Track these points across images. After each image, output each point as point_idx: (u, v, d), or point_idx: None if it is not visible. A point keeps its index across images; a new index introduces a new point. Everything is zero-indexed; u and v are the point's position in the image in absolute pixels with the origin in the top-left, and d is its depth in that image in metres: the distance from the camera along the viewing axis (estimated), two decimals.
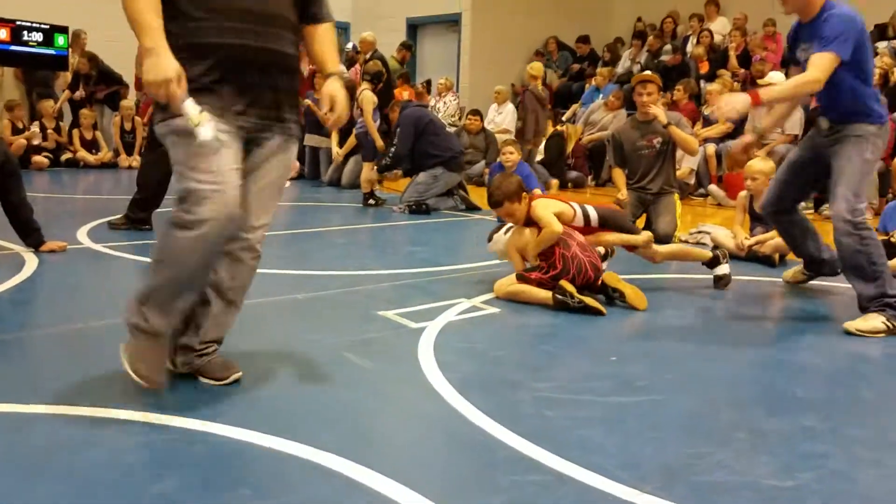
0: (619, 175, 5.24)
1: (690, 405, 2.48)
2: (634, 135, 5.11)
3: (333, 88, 2.37)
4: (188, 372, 2.51)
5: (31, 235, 4.42)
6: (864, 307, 3.43)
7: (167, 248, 2.25)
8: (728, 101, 3.26)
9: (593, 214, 3.95)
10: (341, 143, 8.89)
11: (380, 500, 1.80)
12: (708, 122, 8.87)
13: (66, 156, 10.10)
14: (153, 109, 2.32)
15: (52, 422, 2.19)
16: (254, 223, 2.41)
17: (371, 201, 7.27)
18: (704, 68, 10.07)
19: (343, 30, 14.62)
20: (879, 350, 3.16)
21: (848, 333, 3.33)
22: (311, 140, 9.33)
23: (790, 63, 3.86)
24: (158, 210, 5.44)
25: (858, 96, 3.43)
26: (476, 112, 10.15)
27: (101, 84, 10.89)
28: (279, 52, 2.28)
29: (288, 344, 3.01)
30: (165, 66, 2.04)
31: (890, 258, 4.59)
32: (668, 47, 11.13)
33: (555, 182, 8.99)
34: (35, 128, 9.92)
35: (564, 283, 3.54)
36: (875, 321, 3.35)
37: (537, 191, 4.23)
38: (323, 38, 2.45)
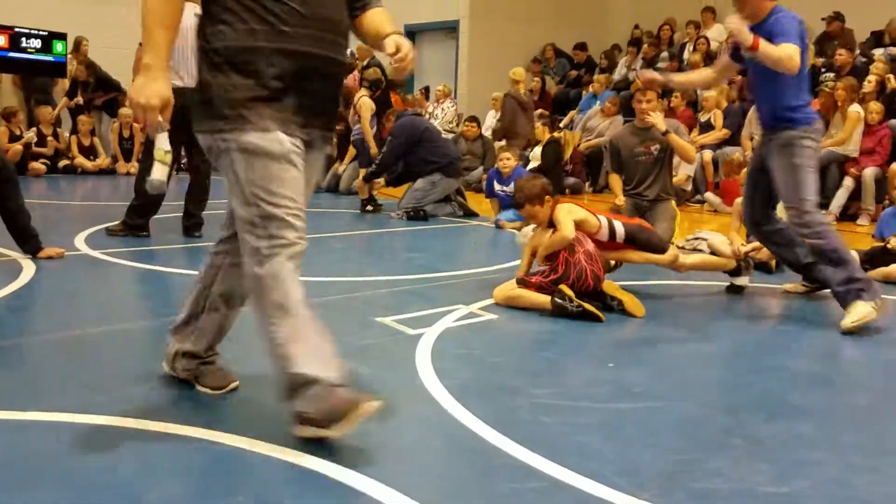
0: (615, 181, 5.25)
1: (688, 411, 2.48)
2: (632, 141, 5.12)
3: (399, 37, 2.20)
4: (186, 378, 2.50)
5: (28, 242, 4.42)
6: (838, 293, 3.58)
7: (272, 295, 2.06)
8: (737, 22, 3.49)
9: (620, 231, 3.93)
10: (339, 153, 8.89)
11: None
12: (705, 129, 8.89)
13: (63, 162, 10.10)
14: (198, 116, 2.12)
15: (50, 428, 2.19)
16: None
17: (369, 207, 7.28)
18: None
19: None
20: (876, 356, 3.16)
21: (847, 333, 3.36)
22: None
23: (731, 56, 4.07)
24: (156, 216, 5.45)
25: (782, 103, 3.65)
26: (473, 119, 10.17)
27: (99, 91, 10.90)
28: (339, 61, 2.18)
29: None
30: (156, 90, 1.96)
31: (887, 264, 4.62)
32: (664, 54, 11.16)
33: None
34: (32, 133, 9.93)
35: (563, 288, 3.55)
36: (860, 308, 3.43)
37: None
38: (375, 13, 2.30)
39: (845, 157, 7.47)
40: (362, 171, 7.80)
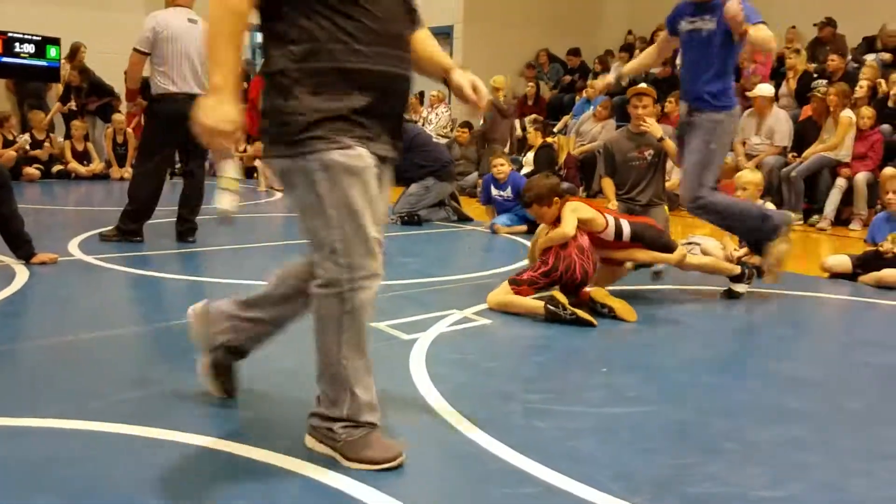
0: (608, 185, 5.26)
1: (681, 416, 2.49)
2: (627, 146, 5.13)
3: (469, 75, 2.19)
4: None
5: (21, 247, 4.40)
6: (757, 242, 4.02)
7: (349, 332, 1.99)
8: (736, 7, 3.65)
9: (627, 230, 3.94)
10: None
11: None
12: None
13: (57, 167, 10.08)
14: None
15: (44, 435, 2.18)
16: None
17: None
18: None
19: None
20: (870, 360, 3.18)
21: (771, 278, 3.97)
22: None
23: (668, 32, 4.25)
24: (150, 221, 5.44)
25: (713, 82, 3.88)
26: (466, 124, 10.18)
27: (93, 96, 10.89)
28: (408, 77, 2.10)
29: (279, 356, 3.01)
30: (226, 114, 1.83)
31: (878, 269, 4.65)
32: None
33: None
34: (25, 137, 9.91)
35: (557, 295, 3.56)
36: (776, 246, 3.90)
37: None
38: (426, 40, 2.24)
39: (837, 162, 7.50)
40: None
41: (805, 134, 7.97)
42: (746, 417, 2.49)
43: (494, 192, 6.73)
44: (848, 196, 7.44)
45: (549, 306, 3.53)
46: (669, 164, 5.45)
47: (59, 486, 1.88)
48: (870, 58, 8.86)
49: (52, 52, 10.57)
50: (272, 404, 2.48)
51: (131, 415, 2.31)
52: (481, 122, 10.26)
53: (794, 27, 9.85)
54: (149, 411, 2.36)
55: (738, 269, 4.16)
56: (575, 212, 3.81)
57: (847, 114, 7.46)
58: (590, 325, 3.47)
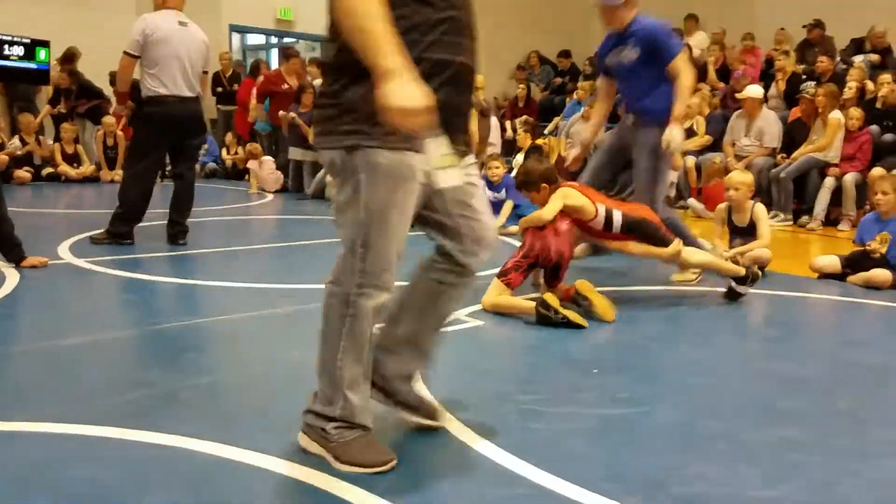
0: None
1: (673, 417, 2.50)
2: None
3: None
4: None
5: (11, 251, 4.39)
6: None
7: (349, 334, 1.99)
8: (674, 139, 4.12)
9: (618, 220, 3.93)
10: None
11: None
12: (688, 135, 8.95)
13: (47, 170, 10.04)
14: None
15: (35, 438, 2.18)
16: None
17: None
18: None
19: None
20: (861, 360, 3.20)
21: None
22: (294, 153, 9.33)
23: (602, 73, 4.60)
24: (140, 224, 5.43)
25: (659, 96, 4.16)
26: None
27: (83, 98, 10.85)
28: (474, 69, 2.04)
29: (271, 358, 3.01)
30: (412, 92, 1.71)
31: (866, 269, 4.68)
32: None
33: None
34: (16, 141, 9.86)
35: (548, 297, 3.57)
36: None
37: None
38: None
39: (826, 162, 7.55)
40: None
41: (794, 135, 8.02)
42: (738, 418, 2.50)
43: (488, 193, 6.74)
44: (837, 197, 7.48)
45: (539, 309, 3.54)
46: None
47: (53, 490, 1.88)
48: (858, 59, 8.93)
49: (41, 54, 10.53)
50: (266, 407, 2.48)
51: (124, 418, 2.31)
52: None
53: (782, 29, 9.92)
54: (142, 414, 2.35)
55: (741, 271, 4.07)
56: (564, 198, 3.87)
57: (836, 115, 7.51)
58: (580, 327, 3.48)
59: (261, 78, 10.58)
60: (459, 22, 1.95)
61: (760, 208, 4.94)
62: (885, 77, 8.02)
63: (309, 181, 9.22)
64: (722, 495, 1.96)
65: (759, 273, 4.15)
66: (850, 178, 7.36)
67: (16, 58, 10.30)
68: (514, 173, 4.10)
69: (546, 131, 11.13)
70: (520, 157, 8.86)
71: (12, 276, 4.16)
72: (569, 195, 3.89)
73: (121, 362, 2.96)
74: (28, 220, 6.30)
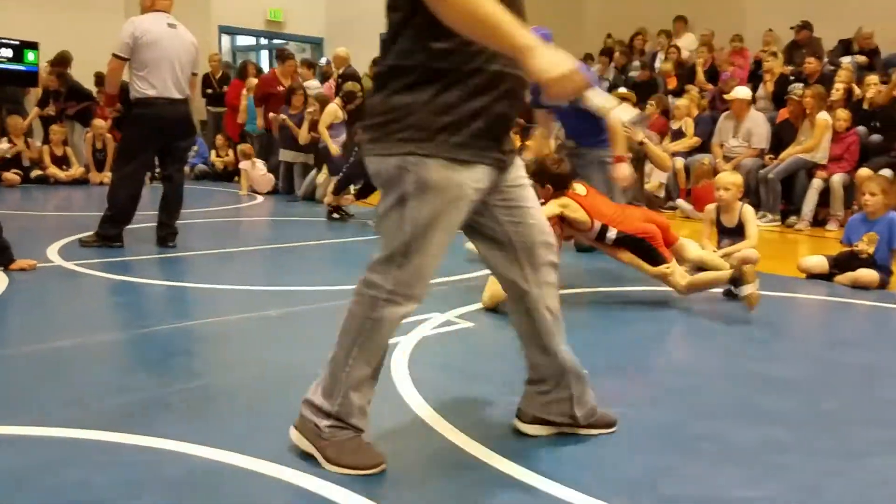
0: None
1: (660, 418, 2.52)
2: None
3: None
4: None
5: (0, 254, 4.37)
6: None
7: (369, 339, 2.01)
8: (625, 176, 4.57)
9: (611, 236, 4.03)
10: (317, 162, 8.88)
11: None
12: (676, 136, 9.00)
13: (36, 172, 10.00)
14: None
15: (25, 442, 2.18)
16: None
17: (335, 215, 7.30)
18: (672, 84, 10.23)
19: (317, 45, 14.66)
20: (846, 361, 3.23)
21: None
22: (285, 155, 9.32)
23: (534, 106, 4.86)
24: (129, 227, 5.42)
25: (590, 129, 4.55)
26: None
27: (72, 100, 10.81)
28: (525, 81, 1.97)
29: (261, 361, 3.02)
30: (555, 56, 1.70)
31: (854, 269, 4.72)
32: (636, 63, 11.28)
33: None
34: (3, 143, 9.82)
35: None
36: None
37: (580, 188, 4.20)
38: None
39: (814, 163, 7.60)
40: (333, 179, 7.92)
41: (782, 136, 8.07)
42: (724, 418, 2.52)
43: None
44: (824, 197, 7.53)
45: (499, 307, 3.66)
46: (648, 166, 5.50)
47: (40, 494, 1.88)
48: (845, 60, 8.99)
49: (30, 56, 10.48)
50: (256, 410, 2.48)
51: (114, 421, 2.31)
52: None
53: (770, 30, 9.97)
54: (132, 417, 2.35)
55: (727, 276, 3.92)
56: (562, 206, 3.98)
57: (823, 116, 7.56)
58: None
59: (253, 80, 10.57)
60: None
61: (749, 209, 4.97)
62: (872, 78, 8.08)
63: (300, 183, 9.22)
64: (708, 496, 1.98)
65: (753, 276, 3.86)
66: (837, 178, 7.41)
67: (4, 60, 10.26)
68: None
69: (536, 133, 11.14)
70: None
71: (1, 280, 4.15)
72: (568, 205, 4.00)
73: (111, 365, 2.96)
74: (17, 223, 6.28)
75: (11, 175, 9.54)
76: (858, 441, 2.37)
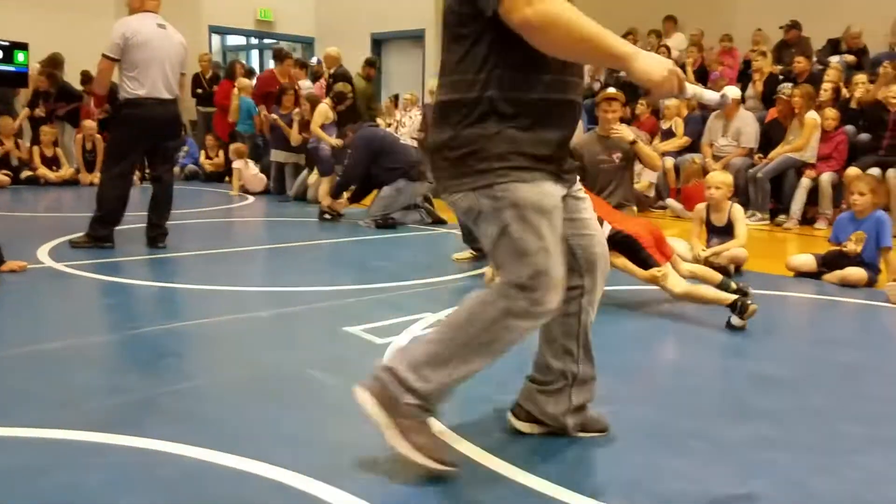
0: None
1: (650, 416, 2.53)
2: (596, 149, 5.19)
3: None
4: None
5: None
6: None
7: (495, 343, 1.99)
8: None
9: (605, 231, 3.92)
10: (309, 162, 8.88)
11: None
12: (667, 136, 9.03)
13: (26, 173, 9.96)
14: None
15: (15, 444, 2.18)
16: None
17: (327, 216, 7.30)
18: None
19: (308, 45, 14.65)
20: (832, 358, 3.25)
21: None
22: (277, 156, 9.32)
23: None
24: (119, 227, 5.41)
25: None
26: None
27: (62, 101, 10.76)
28: (581, 105, 2.10)
29: (252, 362, 3.02)
30: (656, 59, 1.79)
31: (842, 268, 4.75)
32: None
33: None
34: None
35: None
36: None
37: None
38: None
39: (803, 162, 7.65)
40: (324, 180, 7.95)
41: (771, 135, 8.12)
42: (712, 416, 2.54)
43: None
44: (813, 196, 7.58)
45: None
46: (638, 166, 5.52)
47: (30, 496, 1.88)
48: (834, 60, 9.04)
49: (20, 57, 10.42)
50: (246, 411, 2.49)
51: (102, 423, 2.31)
52: (420, 128, 10.21)
53: (759, 30, 10.02)
54: (120, 419, 2.35)
55: (729, 299, 3.71)
56: None
57: (812, 115, 7.60)
58: None
59: (244, 80, 10.55)
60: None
61: (738, 209, 5.01)
62: (860, 77, 8.13)
63: (291, 183, 9.21)
64: (697, 493, 1.99)
65: (747, 302, 3.68)
66: (826, 177, 7.45)
67: None
68: None
69: None
70: None
71: None
72: None
73: (101, 367, 2.96)
74: (7, 224, 6.26)
75: (1, 176, 9.50)
76: (846, 438, 2.39)
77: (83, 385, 2.69)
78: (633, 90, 9.62)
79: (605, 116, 5.10)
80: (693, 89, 1.93)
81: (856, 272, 4.67)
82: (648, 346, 3.41)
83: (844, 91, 8.25)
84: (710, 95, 2.00)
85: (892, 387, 2.93)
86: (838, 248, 4.89)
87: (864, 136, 7.72)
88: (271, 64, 14.92)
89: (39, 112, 10.60)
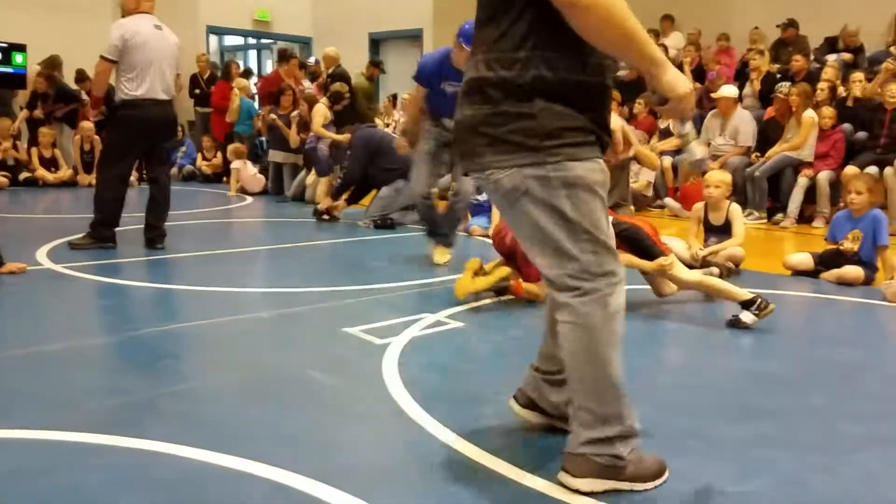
0: None
1: (647, 414, 2.52)
2: None
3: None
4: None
5: None
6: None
7: (615, 331, 1.95)
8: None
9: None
10: (307, 162, 8.87)
11: None
12: (664, 135, 9.04)
13: (24, 174, 9.96)
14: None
15: (14, 446, 2.18)
16: None
17: (325, 216, 7.30)
18: None
19: (305, 45, 14.65)
20: (831, 357, 3.26)
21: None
22: (275, 156, 9.32)
23: (420, 82, 5.07)
24: (117, 229, 5.42)
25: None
26: None
27: (60, 103, 10.77)
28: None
29: (251, 363, 3.03)
30: (684, 77, 1.84)
31: (839, 266, 4.76)
32: (623, 62, 11.30)
33: None
34: None
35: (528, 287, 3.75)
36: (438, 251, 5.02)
37: None
38: None
39: (800, 161, 7.66)
40: (322, 181, 7.95)
41: (768, 134, 8.12)
42: (710, 415, 2.55)
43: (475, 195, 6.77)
44: (811, 194, 7.59)
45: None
46: (636, 166, 5.53)
47: (30, 497, 1.89)
48: (831, 58, 9.05)
49: (18, 58, 10.43)
50: (246, 412, 2.49)
51: (102, 424, 2.31)
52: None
53: (756, 28, 10.03)
54: (120, 420, 2.36)
55: (746, 295, 3.65)
56: None
57: (809, 114, 7.61)
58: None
59: (242, 81, 10.54)
60: None
61: (736, 208, 5.02)
62: (857, 75, 8.14)
63: (289, 184, 9.21)
64: (695, 491, 2.00)
65: (767, 301, 3.63)
66: (823, 176, 7.46)
67: None
68: None
69: None
70: None
71: None
72: None
73: (100, 368, 2.96)
74: (6, 226, 6.27)
75: (0, 178, 9.50)
76: (844, 437, 2.40)
77: (82, 386, 2.69)
78: (630, 90, 9.66)
79: None
80: (690, 127, 1.95)
81: (853, 271, 4.68)
82: (647, 346, 3.41)
83: (841, 89, 8.26)
84: (695, 147, 2.01)
85: (890, 385, 2.94)
86: (835, 246, 4.90)
87: (861, 135, 7.73)
88: (269, 64, 14.97)
89: (38, 113, 10.61)
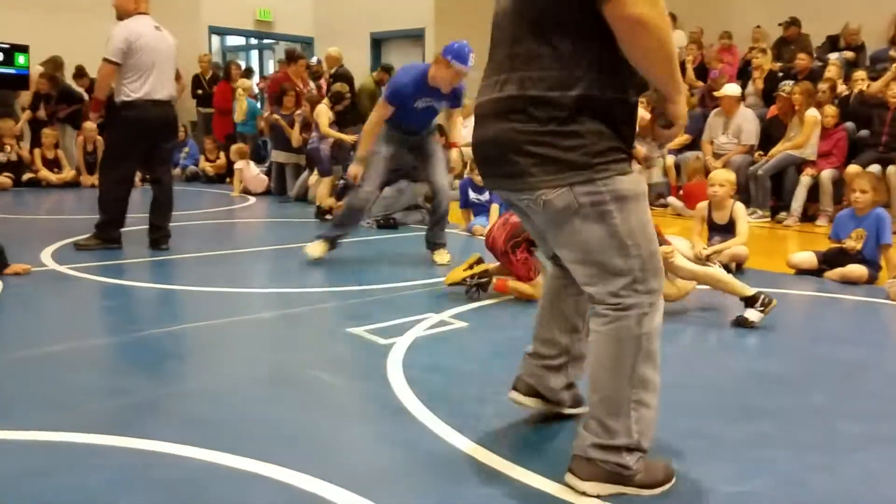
0: None
1: None
2: None
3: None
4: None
5: None
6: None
7: (651, 352, 1.96)
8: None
9: None
10: (309, 163, 8.88)
11: None
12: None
13: (27, 175, 9.98)
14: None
15: (18, 447, 2.19)
16: None
17: (328, 216, 7.31)
18: None
19: (307, 45, 14.66)
20: (832, 356, 3.26)
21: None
22: (278, 156, 9.33)
23: (392, 102, 4.93)
24: (121, 230, 5.43)
25: (432, 119, 5.16)
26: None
27: (63, 103, 10.78)
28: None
29: (255, 363, 3.04)
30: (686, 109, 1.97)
31: (843, 265, 4.76)
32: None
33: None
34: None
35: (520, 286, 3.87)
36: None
37: None
38: None
39: (803, 159, 7.65)
40: (323, 181, 7.96)
41: (771, 132, 8.12)
42: (711, 414, 2.55)
43: (472, 195, 6.78)
44: (814, 193, 7.58)
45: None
46: (636, 165, 5.52)
47: (32, 497, 1.90)
48: (832, 56, 9.03)
49: (20, 59, 10.45)
50: (249, 412, 2.50)
51: (105, 425, 2.32)
52: None
53: (759, 27, 10.01)
54: (122, 421, 2.37)
55: (748, 290, 3.64)
56: None
57: (812, 112, 7.60)
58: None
59: (246, 81, 10.55)
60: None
61: (740, 207, 5.02)
62: (860, 74, 8.13)
63: (292, 184, 9.22)
64: (696, 491, 2.01)
65: (769, 299, 3.64)
66: (826, 174, 7.46)
67: None
68: None
69: None
70: None
71: None
72: None
73: (103, 369, 2.97)
74: (9, 227, 6.28)
75: (3, 178, 9.52)
76: (845, 436, 2.40)
77: (85, 387, 2.71)
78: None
79: None
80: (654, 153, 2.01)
81: (856, 269, 4.68)
82: None
83: (843, 88, 8.24)
84: (657, 169, 2.04)
85: (892, 384, 2.94)
86: (839, 245, 4.89)
87: (864, 133, 7.72)
88: (271, 64, 14.98)
89: (40, 114, 10.62)
